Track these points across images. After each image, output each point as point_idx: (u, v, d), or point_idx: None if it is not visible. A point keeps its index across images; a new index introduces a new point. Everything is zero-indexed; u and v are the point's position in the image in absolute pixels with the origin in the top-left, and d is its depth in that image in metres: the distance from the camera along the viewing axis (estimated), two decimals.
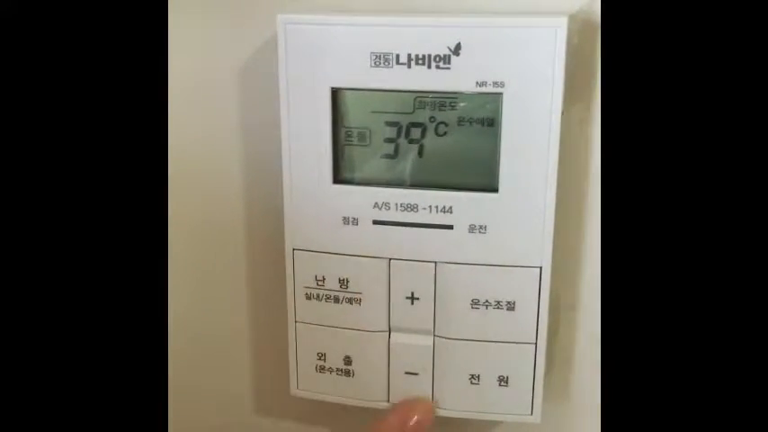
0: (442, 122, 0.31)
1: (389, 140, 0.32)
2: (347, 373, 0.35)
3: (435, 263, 0.32)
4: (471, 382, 0.33)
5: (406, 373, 0.34)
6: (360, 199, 0.32)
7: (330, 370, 0.35)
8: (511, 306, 0.32)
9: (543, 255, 0.32)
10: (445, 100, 0.31)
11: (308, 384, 0.36)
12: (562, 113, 0.30)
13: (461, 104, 0.31)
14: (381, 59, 0.31)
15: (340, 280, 0.34)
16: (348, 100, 0.32)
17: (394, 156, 0.32)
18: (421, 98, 0.31)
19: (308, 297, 0.34)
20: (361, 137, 0.32)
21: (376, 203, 0.32)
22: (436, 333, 0.33)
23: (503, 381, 0.33)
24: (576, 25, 0.31)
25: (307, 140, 0.32)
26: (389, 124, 0.32)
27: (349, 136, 0.32)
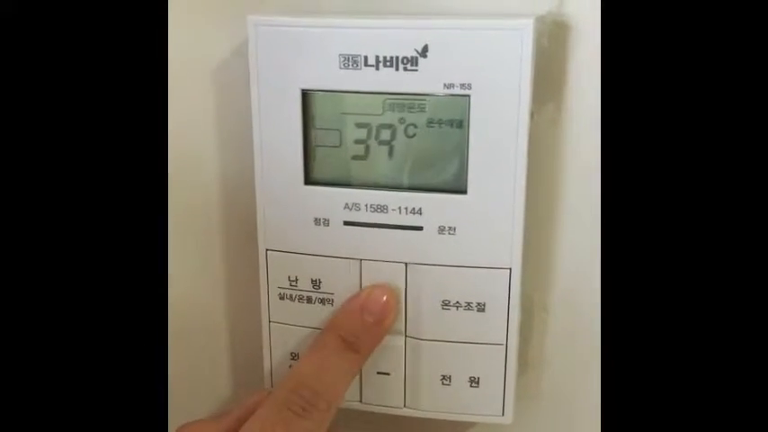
0: (411, 124, 0.31)
1: (359, 142, 0.32)
2: None
3: (406, 264, 0.32)
4: (443, 383, 0.33)
5: (378, 372, 0.34)
6: (330, 200, 0.32)
7: None
8: (481, 307, 0.32)
9: (513, 256, 0.32)
10: (414, 102, 0.31)
11: None
12: (532, 114, 0.30)
13: (430, 106, 0.31)
14: (350, 61, 0.31)
15: (312, 281, 0.34)
16: (318, 102, 0.32)
17: (364, 157, 0.32)
18: (390, 100, 0.31)
19: (282, 297, 0.34)
20: (332, 138, 0.32)
21: (346, 204, 0.32)
22: (407, 334, 0.33)
23: (474, 382, 0.33)
24: (546, 27, 0.31)
25: (278, 142, 0.33)
26: (359, 126, 0.32)
27: (320, 137, 0.32)
